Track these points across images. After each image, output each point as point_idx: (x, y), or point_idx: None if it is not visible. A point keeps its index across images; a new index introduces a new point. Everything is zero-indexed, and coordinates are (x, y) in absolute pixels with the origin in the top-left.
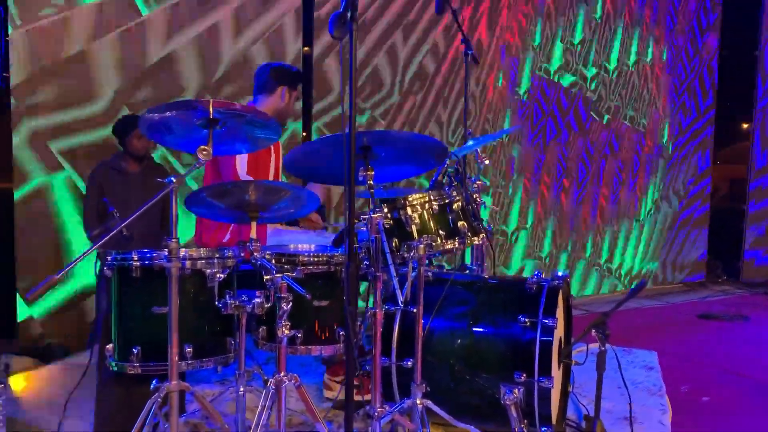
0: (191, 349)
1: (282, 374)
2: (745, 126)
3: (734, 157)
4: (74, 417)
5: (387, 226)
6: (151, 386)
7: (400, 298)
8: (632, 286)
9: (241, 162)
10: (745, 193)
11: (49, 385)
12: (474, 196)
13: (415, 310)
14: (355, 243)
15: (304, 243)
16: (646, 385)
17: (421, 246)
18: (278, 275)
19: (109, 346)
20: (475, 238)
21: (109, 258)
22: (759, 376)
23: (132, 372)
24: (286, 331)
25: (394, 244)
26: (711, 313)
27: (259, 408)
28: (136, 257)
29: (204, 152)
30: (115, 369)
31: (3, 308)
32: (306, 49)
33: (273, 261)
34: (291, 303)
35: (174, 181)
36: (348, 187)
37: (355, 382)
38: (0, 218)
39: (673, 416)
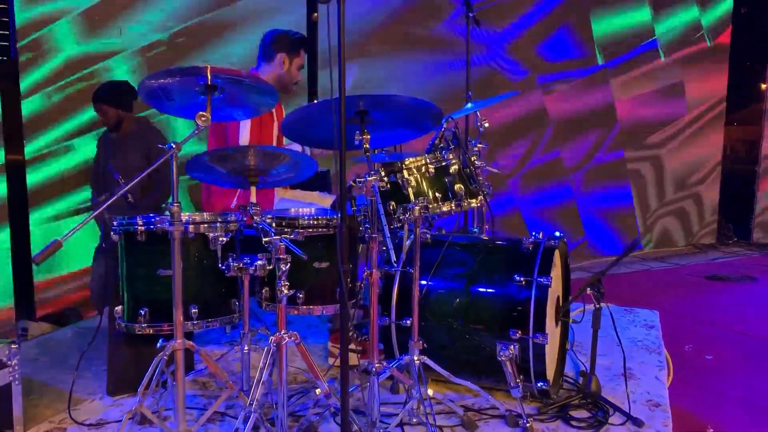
0: (196, 310)
1: (282, 332)
2: (763, 86)
3: (748, 118)
4: (86, 376)
5: (383, 189)
6: (158, 345)
7: (393, 258)
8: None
9: (244, 128)
10: (758, 154)
11: (64, 346)
12: (473, 159)
13: (412, 271)
14: (353, 206)
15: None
16: (646, 343)
17: (417, 208)
18: (276, 237)
19: (118, 308)
20: (473, 201)
21: (115, 223)
22: (765, 335)
23: (140, 332)
24: (286, 291)
25: (391, 206)
26: (719, 275)
27: (261, 365)
28: (140, 222)
29: (202, 118)
30: (124, 330)
31: (21, 276)
32: (315, 15)
33: (273, 225)
34: (289, 264)
35: (174, 146)
36: (340, 150)
37: (358, 347)
38: (14, 190)
39: (675, 373)
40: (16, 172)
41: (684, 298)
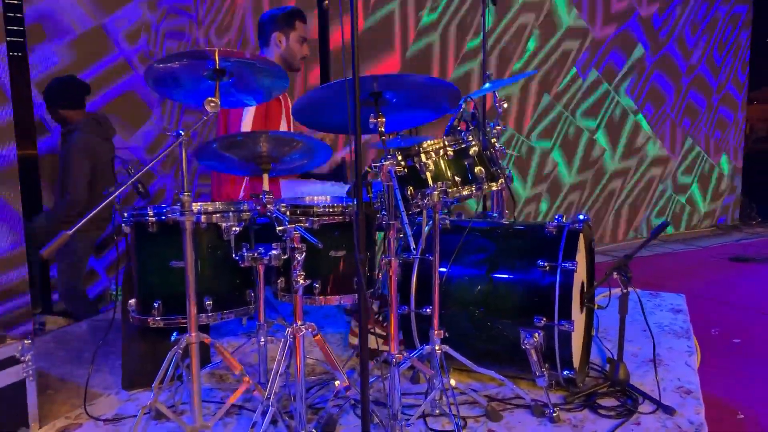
0: (211, 302)
1: (299, 323)
2: None
3: None
4: (102, 371)
5: (400, 174)
6: (172, 338)
7: (412, 245)
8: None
9: (247, 115)
10: None
11: (80, 340)
12: (493, 141)
13: (432, 258)
14: (369, 193)
15: (320, 195)
16: (673, 327)
17: (435, 193)
18: (291, 226)
19: (132, 301)
20: (494, 184)
21: (126, 215)
22: None
23: (154, 326)
24: (301, 281)
25: (409, 192)
26: (743, 256)
27: (277, 357)
28: (151, 212)
29: (211, 104)
30: (138, 323)
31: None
32: (327, 2)
33: (288, 213)
34: (304, 253)
35: (182, 134)
36: (355, 135)
37: (381, 332)
38: (27, 184)
39: (702, 358)
40: (29, 166)
41: (709, 279)
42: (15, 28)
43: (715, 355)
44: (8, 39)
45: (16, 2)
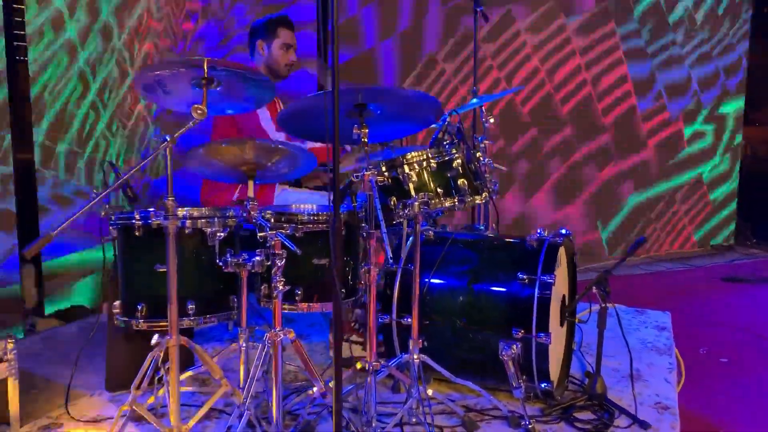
0: (194, 306)
1: (278, 329)
2: None
3: None
4: (87, 372)
5: (383, 184)
6: (152, 341)
7: (389, 255)
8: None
9: (265, 117)
10: None
11: (68, 342)
12: (478, 155)
13: (413, 268)
14: (354, 202)
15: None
16: (656, 344)
17: (416, 203)
18: (272, 232)
19: (116, 303)
20: (477, 197)
21: (113, 217)
22: None
23: (137, 328)
24: (281, 287)
25: (392, 202)
26: (736, 276)
27: (255, 362)
28: (138, 216)
29: (198, 111)
30: (122, 326)
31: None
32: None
33: (273, 220)
34: (285, 260)
35: (168, 140)
36: (334, 144)
37: (359, 338)
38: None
39: (688, 376)
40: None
41: (698, 299)
42: None
43: (701, 374)
44: None
45: None
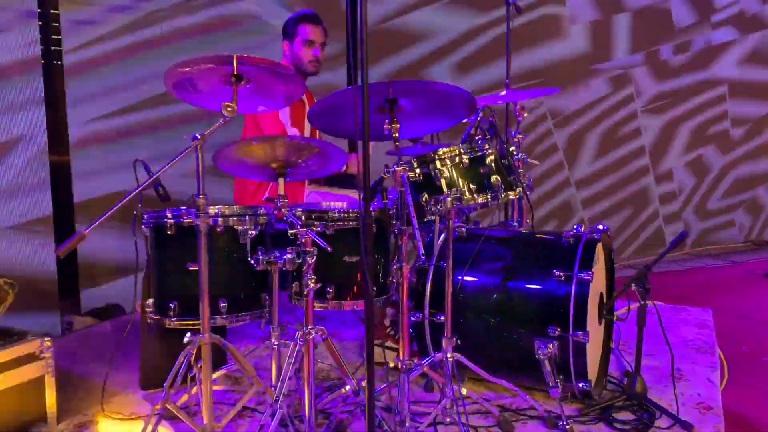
0: (225, 304)
1: (309, 327)
2: None
3: None
4: (121, 370)
5: (415, 180)
6: (184, 339)
7: (421, 252)
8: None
9: (284, 116)
10: None
11: (104, 340)
12: (512, 150)
13: (445, 265)
14: (384, 198)
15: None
16: (697, 342)
17: (449, 200)
18: (302, 230)
19: (150, 301)
20: (511, 193)
21: (145, 216)
22: None
23: (170, 326)
24: (312, 285)
25: (423, 198)
26: None
27: (287, 360)
28: (170, 215)
29: (228, 108)
30: (155, 323)
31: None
32: None
33: (303, 218)
34: (316, 257)
35: (199, 138)
36: (363, 140)
37: (393, 345)
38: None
39: (730, 375)
40: (61, 170)
41: (739, 295)
42: None
43: (743, 373)
44: None
45: None
